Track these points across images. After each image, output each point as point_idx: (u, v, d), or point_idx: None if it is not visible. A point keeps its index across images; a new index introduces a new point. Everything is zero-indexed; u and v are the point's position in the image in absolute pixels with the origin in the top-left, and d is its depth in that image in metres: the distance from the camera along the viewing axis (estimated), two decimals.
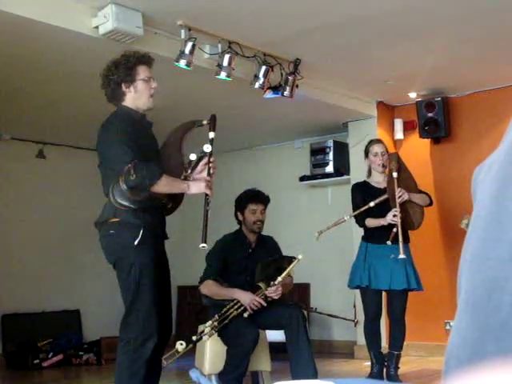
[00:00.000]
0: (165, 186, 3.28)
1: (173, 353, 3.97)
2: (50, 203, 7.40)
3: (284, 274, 4.18)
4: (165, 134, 3.62)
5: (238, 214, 4.51)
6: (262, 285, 4.19)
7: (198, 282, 4.35)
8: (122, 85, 3.40)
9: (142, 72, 3.44)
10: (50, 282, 7.26)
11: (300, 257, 4.17)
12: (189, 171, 3.45)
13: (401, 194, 4.73)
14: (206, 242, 3.39)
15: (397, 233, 4.63)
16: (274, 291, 4.17)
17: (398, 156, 5.04)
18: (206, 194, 3.42)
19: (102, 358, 6.74)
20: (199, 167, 3.48)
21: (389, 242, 4.65)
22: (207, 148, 3.43)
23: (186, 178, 3.44)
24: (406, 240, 4.91)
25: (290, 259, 4.25)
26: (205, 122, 3.56)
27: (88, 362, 6.75)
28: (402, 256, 4.58)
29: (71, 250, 7.39)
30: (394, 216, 4.68)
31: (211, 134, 3.54)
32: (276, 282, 4.16)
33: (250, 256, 4.41)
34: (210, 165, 3.46)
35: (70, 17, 4.15)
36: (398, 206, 4.68)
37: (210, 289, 4.25)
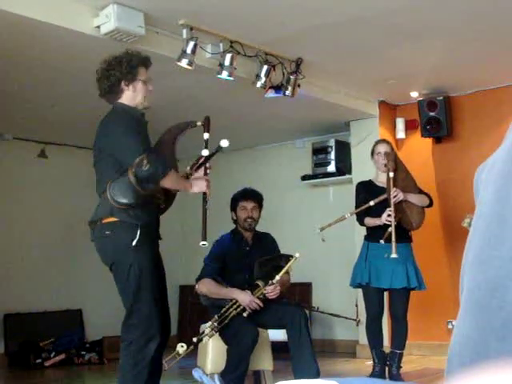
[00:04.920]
0: (173, 180, 3.28)
1: (174, 355, 3.96)
2: (52, 203, 7.40)
3: (282, 273, 4.16)
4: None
5: (232, 213, 4.53)
6: (260, 283, 4.18)
7: (195, 281, 4.34)
8: (122, 82, 3.39)
9: (143, 73, 3.45)
10: (52, 282, 7.26)
11: (297, 255, 4.16)
12: (195, 168, 3.48)
13: (395, 194, 4.74)
14: (206, 240, 3.40)
15: (391, 232, 4.64)
16: (272, 290, 4.17)
17: (395, 156, 5.04)
18: (204, 193, 3.43)
19: (105, 357, 6.74)
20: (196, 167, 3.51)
21: (382, 241, 4.68)
22: (224, 143, 3.38)
23: (187, 177, 3.45)
24: (407, 240, 4.91)
25: (288, 257, 4.24)
26: (199, 124, 3.57)
27: (90, 362, 6.75)
28: (393, 255, 4.59)
29: (73, 249, 7.38)
30: (389, 216, 4.69)
31: (206, 135, 3.55)
32: (274, 281, 4.15)
33: (247, 254, 4.40)
34: (207, 165, 3.49)
35: (71, 16, 4.15)
36: (392, 205, 4.70)
37: (209, 287, 4.24)
